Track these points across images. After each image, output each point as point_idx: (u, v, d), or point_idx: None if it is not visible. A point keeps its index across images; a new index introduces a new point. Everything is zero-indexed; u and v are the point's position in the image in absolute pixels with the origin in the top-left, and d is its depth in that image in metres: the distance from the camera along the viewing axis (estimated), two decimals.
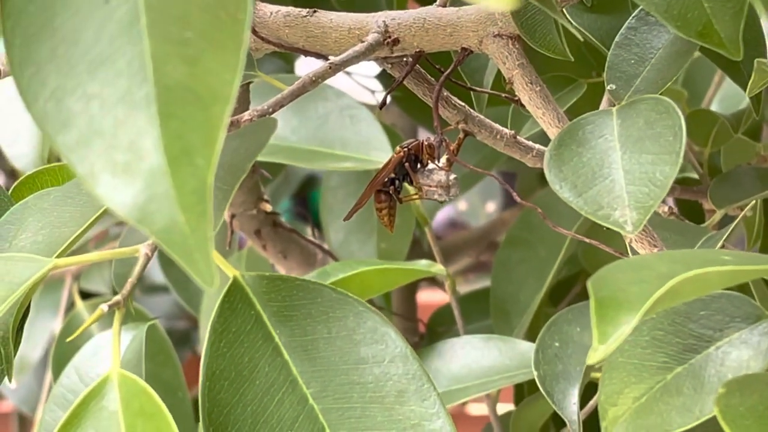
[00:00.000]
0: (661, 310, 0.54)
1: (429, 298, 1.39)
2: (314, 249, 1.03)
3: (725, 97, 1.08)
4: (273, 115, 0.88)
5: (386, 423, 0.54)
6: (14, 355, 0.57)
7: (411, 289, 1.19)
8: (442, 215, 2.10)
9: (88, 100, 0.43)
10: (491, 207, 2.09)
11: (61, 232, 0.57)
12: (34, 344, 1.29)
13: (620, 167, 0.55)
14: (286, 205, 1.78)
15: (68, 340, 1.02)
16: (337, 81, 1.04)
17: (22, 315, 0.57)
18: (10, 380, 0.57)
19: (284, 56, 1.08)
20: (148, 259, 0.56)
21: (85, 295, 1.25)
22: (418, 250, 1.15)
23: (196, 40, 0.42)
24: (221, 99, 0.42)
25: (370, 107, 1.13)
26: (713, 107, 1.06)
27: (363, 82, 1.18)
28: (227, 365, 0.55)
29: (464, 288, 1.41)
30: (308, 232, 1.11)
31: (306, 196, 1.73)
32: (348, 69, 1.15)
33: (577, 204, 0.55)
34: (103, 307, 0.54)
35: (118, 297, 0.55)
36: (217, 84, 0.42)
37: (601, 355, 0.43)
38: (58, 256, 0.56)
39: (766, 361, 0.51)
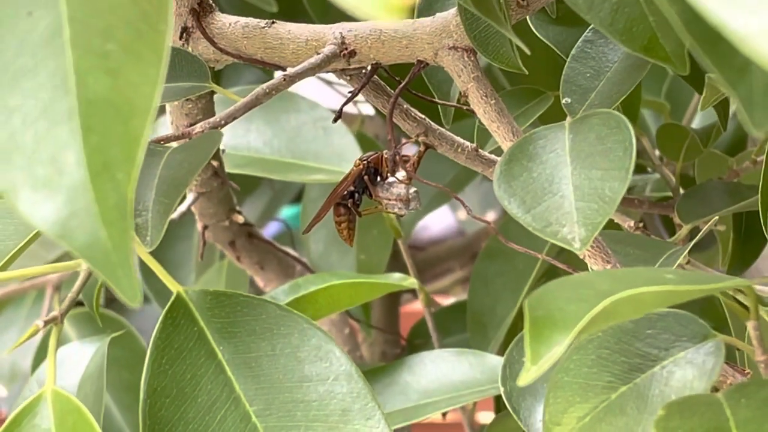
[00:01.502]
0: (607, 329, 0.53)
1: (415, 308, 1.38)
2: (293, 260, 1.02)
3: (709, 109, 1.06)
4: (248, 126, 0.88)
5: None
6: None
7: (393, 302, 1.18)
8: (449, 223, 2.09)
9: (9, 113, 0.42)
10: (491, 216, 2.08)
11: (4, 245, 0.56)
12: (24, 353, 1.28)
13: (570, 183, 0.54)
14: (292, 213, 1.77)
15: (9, 351, 1.02)
16: (317, 91, 1.04)
17: None
18: None
19: (266, 68, 1.07)
20: (89, 274, 0.55)
21: (78, 303, 1.24)
22: (399, 261, 1.13)
23: (118, 52, 0.41)
24: (141, 112, 0.41)
25: (349, 118, 1.12)
26: (696, 119, 1.04)
27: (344, 92, 1.16)
28: (169, 382, 0.54)
29: (462, 298, 1.40)
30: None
31: None
32: (328, 79, 1.15)
33: (525, 220, 0.54)
34: (38, 323, 0.53)
35: (54, 313, 0.54)
36: (136, 97, 0.41)
37: (533, 375, 0.42)
38: (0, 270, 0.55)
39: (711, 381, 0.50)
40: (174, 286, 0.55)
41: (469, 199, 1.84)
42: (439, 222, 2.06)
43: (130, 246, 0.41)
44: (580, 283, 0.46)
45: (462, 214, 2.12)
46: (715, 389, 0.51)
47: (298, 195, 1.49)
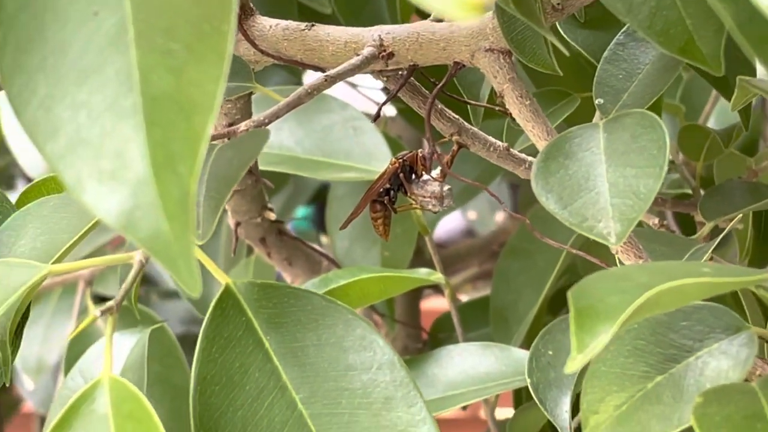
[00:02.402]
0: (642, 320, 0.53)
1: (434, 305, 1.39)
2: (319, 256, 1.03)
3: (722, 112, 1.07)
4: (280, 125, 0.89)
5: (373, 429, 0.54)
6: (12, 359, 0.57)
7: (415, 297, 1.19)
8: (456, 224, 2.10)
9: (76, 108, 0.42)
10: (500, 216, 2.08)
11: (59, 238, 0.57)
12: (51, 348, 1.28)
13: (605, 180, 0.54)
14: (306, 212, 1.78)
15: (65, 342, 1.02)
16: (343, 93, 1.04)
17: (20, 319, 0.57)
18: (7, 383, 0.57)
19: (292, 69, 1.07)
20: (142, 265, 0.56)
21: (103, 300, 1.25)
22: (421, 258, 1.14)
23: (181, 51, 0.42)
24: (204, 109, 0.41)
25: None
26: (711, 122, 1.05)
27: (368, 95, 1.17)
28: (218, 370, 0.54)
29: (473, 295, 1.41)
30: (323, 238, 1.11)
31: (324, 204, 1.73)
32: (354, 81, 1.16)
33: (562, 216, 0.54)
34: (96, 313, 0.53)
35: (110, 303, 0.54)
36: (199, 95, 0.41)
37: (579, 364, 0.43)
38: (55, 262, 0.55)
39: (745, 371, 0.51)
40: (223, 278, 0.56)
41: (483, 201, 1.85)
42: (448, 223, 2.06)
43: (191, 238, 0.41)
44: (620, 275, 0.47)
45: (472, 214, 2.13)
46: (746, 380, 0.51)
47: (312, 196, 1.49)
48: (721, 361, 0.51)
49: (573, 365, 0.43)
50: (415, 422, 0.54)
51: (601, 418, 0.51)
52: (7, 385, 0.57)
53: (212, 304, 0.55)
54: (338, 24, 0.69)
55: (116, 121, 0.42)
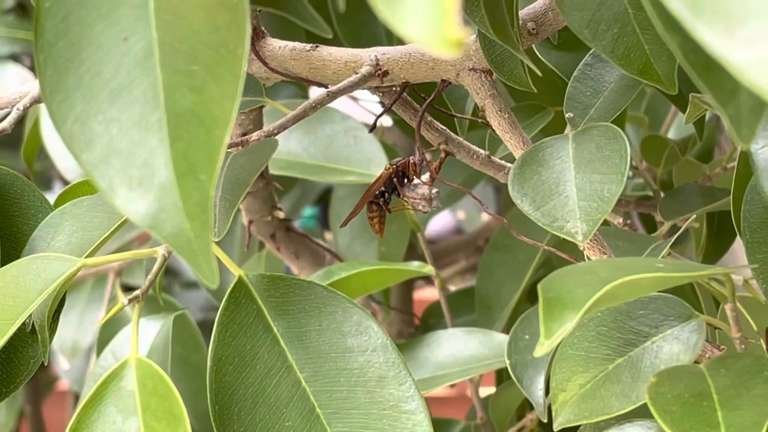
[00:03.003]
0: (605, 309, 0.54)
1: (425, 295, 1.40)
2: (323, 251, 1.04)
3: (682, 123, 1.08)
4: (288, 134, 0.90)
5: (368, 404, 0.55)
6: (50, 341, 0.58)
7: (408, 287, 1.20)
8: (447, 222, 2.11)
9: (108, 123, 0.43)
10: (486, 216, 2.09)
11: (92, 235, 0.58)
12: (84, 332, 1.29)
13: (574, 185, 0.56)
14: (312, 212, 1.79)
15: (98, 324, 1.03)
16: (345, 105, 1.05)
17: (57, 306, 0.58)
18: (45, 362, 0.58)
19: (300, 84, 1.09)
20: (165, 259, 0.57)
21: (130, 289, 1.26)
22: (414, 253, 1.15)
23: (201, 72, 0.43)
24: (222, 124, 0.42)
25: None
26: (671, 132, 1.06)
27: (368, 107, 1.18)
28: (232, 352, 0.55)
29: (461, 286, 1.41)
30: (326, 235, 1.11)
31: (329, 205, 1.74)
32: (355, 95, 1.17)
33: (535, 216, 0.56)
34: (124, 301, 0.55)
35: (137, 292, 0.55)
36: (218, 111, 0.42)
37: (547, 348, 0.44)
38: (88, 256, 0.57)
39: (695, 355, 0.52)
40: (236, 270, 0.57)
41: (471, 202, 1.86)
42: (437, 222, 2.07)
43: (209, 237, 0.42)
44: (585, 270, 0.48)
45: (461, 214, 2.14)
46: (696, 363, 0.52)
47: (318, 197, 1.50)
48: (674, 346, 0.52)
49: (541, 350, 0.44)
50: (405, 398, 0.55)
51: (567, 395, 0.53)
52: (45, 364, 0.58)
53: (227, 293, 0.56)
54: (341, 45, 0.70)
55: (144, 135, 0.43)
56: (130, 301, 0.55)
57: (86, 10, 0.45)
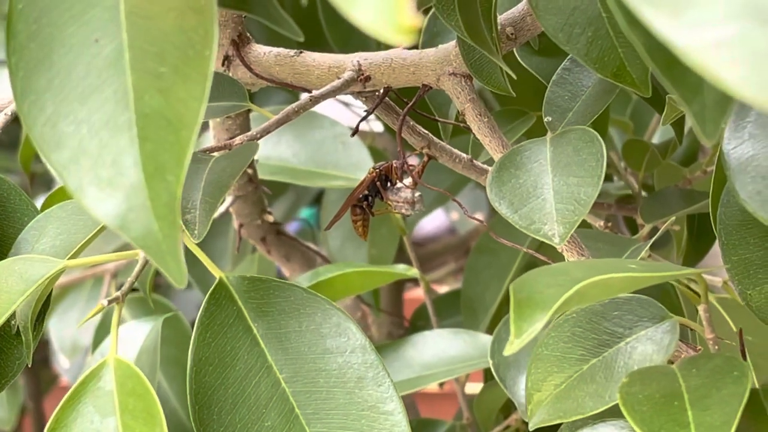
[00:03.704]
0: (580, 310, 0.53)
1: (416, 295, 1.38)
2: (314, 254, 1.02)
3: (667, 127, 1.06)
4: (278, 139, 0.88)
5: (347, 405, 0.53)
6: (34, 344, 0.56)
7: (398, 289, 1.18)
8: (441, 223, 2.09)
9: (78, 124, 0.42)
10: (479, 217, 2.08)
11: (76, 237, 0.56)
12: (84, 331, 1.28)
13: (551, 188, 0.54)
14: (310, 213, 1.77)
15: (78, 326, 1.01)
16: (336, 111, 1.04)
17: (41, 307, 0.57)
18: (29, 363, 0.57)
19: (290, 91, 1.07)
20: (147, 261, 0.55)
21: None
22: (404, 255, 1.13)
23: (169, 74, 0.41)
24: (189, 125, 0.41)
25: (362, 134, 1.12)
26: (656, 136, 1.04)
27: (359, 112, 1.16)
28: (212, 353, 0.54)
29: (455, 287, 1.40)
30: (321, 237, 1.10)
31: None
32: (346, 101, 1.15)
33: (513, 219, 0.54)
34: (103, 302, 0.53)
35: (116, 294, 0.54)
36: (185, 111, 0.41)
37: (516, 347, 0.42)
38: (71, 258, 0.55)
39: (668, 355, 0.50)
40: (217, 272, 0.55)
41: (465, 203, 1.85)
42: (432, 222, 2.05)
43: (177, 237, 0.41)
44: (557, 270, 0.46)
45: (454, 215, 2.12)
46: (671, 362, 0.51)
47: (314, 198, 1.49)
48: (647, 346, 0.50)
49: (511, 348, 0.42)
50: (383, 399, 0.53)
51: (542, 395, 0.51)
52: (30, 366, 0.56)
53: (207, 295, 0.54)
54: (331, 51, 0.68)
55: (113, 135, 0.41)
56: (110, 302, 0.53)
57: (58, 12, 0.43)
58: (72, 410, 0.51)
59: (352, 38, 0.95)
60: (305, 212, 1.69)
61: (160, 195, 0.41)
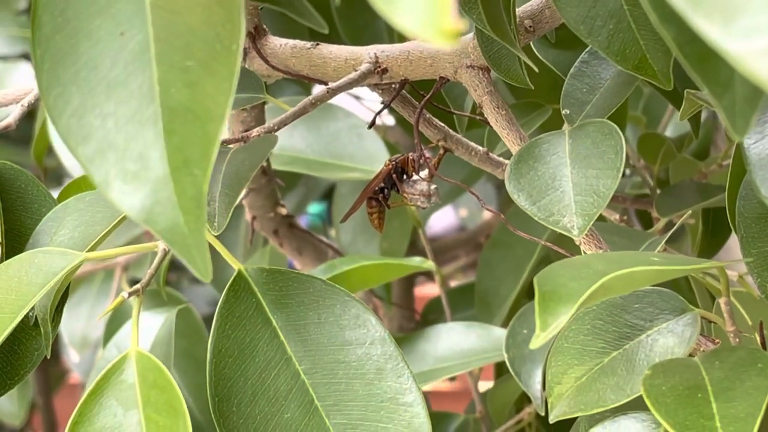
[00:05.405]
0: (600, 303, 0.53)
1: (426, 291, 1.39)
2: (326, 247, 1.03)
3: (678, 122, 1.07)
4: (292, 131, 0.89)
5: (366, 396, 0.54)
6: (53, 335, 0.57)
7: (409, 283, 1.19)
8: (450, 220, 2.10)
9: (104, 117, 0.42)
10: (488, 213, 2.08)
11: (94, 229, 0.57)
12: (94, 325, 1.28)
13: (570, 180, 0.54)
14: (319, 209, 1.78)
15: (98, 318, 1.02)
16: (348, 105, 1.04)
17: (59, 300, 0.57)
18: (48, 355, 0.57)
19: (303, 83, 1.07)
20: (165, 253, 0.56)
21: (137, 283, 1.25)
22: (415, 249, 1.14)
23: (196, 68, 0.42)
24: (216, 119, 0.41)
25: (374, 127, 1.13)
26: (669, 130, 1.05)
27: (371, 106, 1.17)
28: (231, 345, 0.54)
29: (463, 281, 1.40)
30: (331, 232, 1.10)
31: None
32: (357, 94, 1.16)
33: (531, 211, 0.55)
34: (124, 295, 0.53)
35: (137, 287, 0.54)
36: (213, 106, 0.41)
37: (542, 340, 0.43)
38: (90, 251, 0.55)
39: (689, 348, 0.51)
40: (236, 264, 0.56)
41: (473, 199, 1.85)
42: (441, 222, 2.06)
43: (203, 231, 0.41)
44: (580, 264, 0.47)
45: (463, 212, 2.12)
46: (691, 355, 0.51)
47: (323, 194, 1.49)
48: (668, 339, 0.51)
49: (537, 342, 0.43)
50: (403, 390, 0.54)
51: (563, 388, 0.51)
52: (48, 357, 0.57)
53: (226, 287, 0.55)
54: (342, 43, 0.69)
55: (139, 129, 0.42)
56: (130, 294, 0.54)
57: (84, 4, 0.43)
58: (95, 403, 0.51)
59: (365, 34, 0.96)
60: (314, 208, 1.70)
61: (186, 189, 0.41)
